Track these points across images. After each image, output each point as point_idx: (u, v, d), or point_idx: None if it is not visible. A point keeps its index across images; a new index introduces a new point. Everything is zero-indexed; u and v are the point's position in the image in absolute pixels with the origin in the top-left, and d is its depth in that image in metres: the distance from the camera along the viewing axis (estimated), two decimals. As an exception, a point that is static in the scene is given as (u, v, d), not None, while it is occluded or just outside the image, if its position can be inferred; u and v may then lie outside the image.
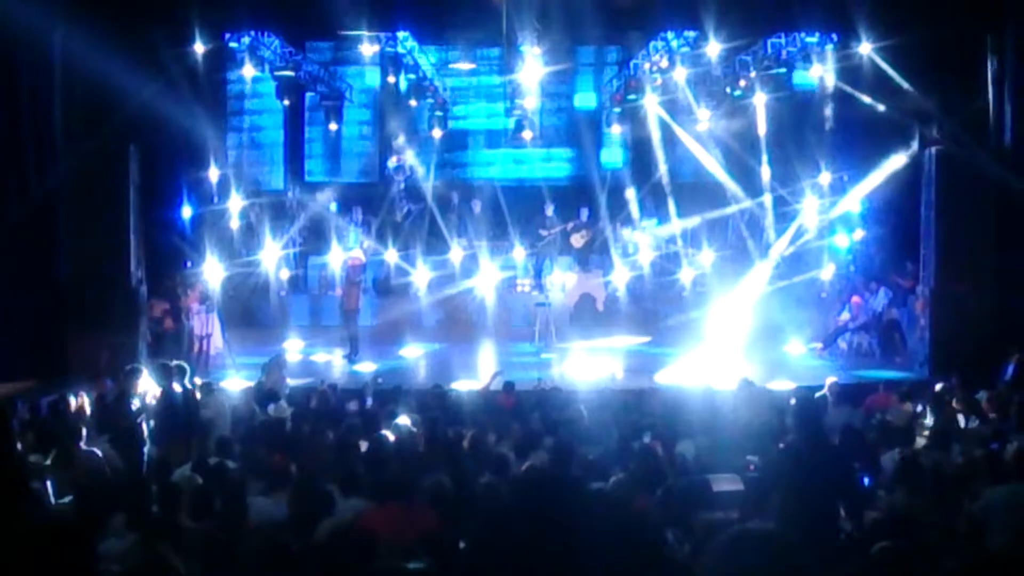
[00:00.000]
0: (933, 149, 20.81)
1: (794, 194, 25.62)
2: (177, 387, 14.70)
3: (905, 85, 21.61)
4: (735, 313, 23.43)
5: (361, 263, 23.75)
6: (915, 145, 21.50)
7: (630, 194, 27.33)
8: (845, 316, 23.57)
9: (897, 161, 22.22)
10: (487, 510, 9.23)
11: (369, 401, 16.89)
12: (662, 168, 27.20)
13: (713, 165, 26.58)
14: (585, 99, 30.10)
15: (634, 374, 20.44)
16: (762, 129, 25.70)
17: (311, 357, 21.79)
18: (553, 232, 27.06)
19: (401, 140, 28.28)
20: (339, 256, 25.57)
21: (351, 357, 22.49)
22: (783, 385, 18.06)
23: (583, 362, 21.46)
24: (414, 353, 23.72)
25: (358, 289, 23.26)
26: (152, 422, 14.39)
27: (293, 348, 23.01)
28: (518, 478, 10.61)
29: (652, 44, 25.01)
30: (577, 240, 27.16)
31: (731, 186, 26.32)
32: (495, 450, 12.82)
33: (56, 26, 20.08)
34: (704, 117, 26.22)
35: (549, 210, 27.51)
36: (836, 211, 25.19)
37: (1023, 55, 20.53)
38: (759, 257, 25.63)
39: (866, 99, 22.93)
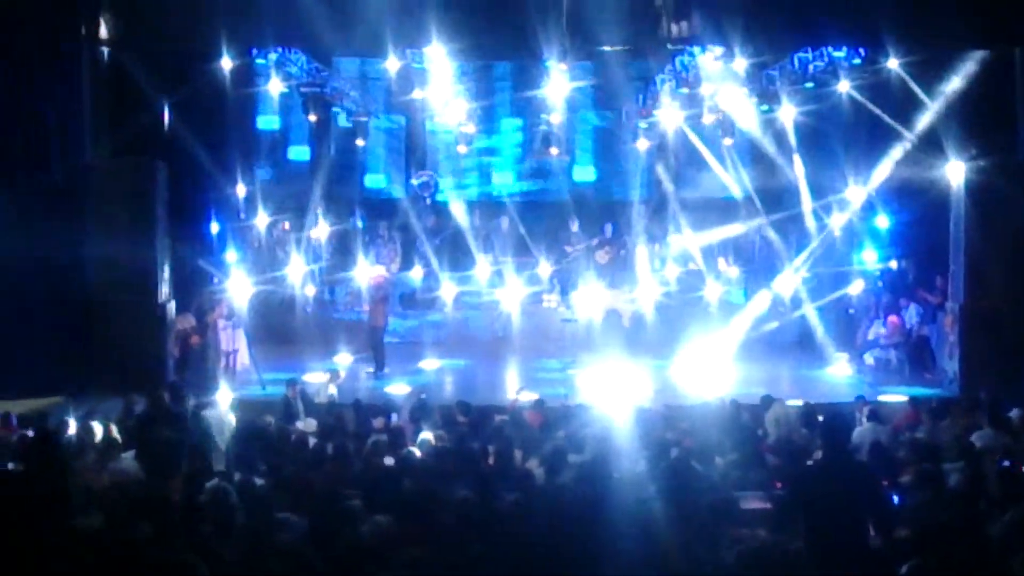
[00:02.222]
0: (962, 164, 20.72)
1: (825, 208, 25.52)
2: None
3: (933, 100, 21.58)
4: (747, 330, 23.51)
5: (385, 279, 23.79)
6: (945, 160, 21.40)
7: (654, 209, 27.31)
8: (875, 332, 23.45)
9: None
10: (515, 530, 9.22)
11: (395, 417, 16.88)
12: (676, 183, 27.26)
13: (738, 180, 26.56)
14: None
15: (660, 391, 20.37)
16: (791, 141, 25.61)
17: (342, 373, 21.68)
18: (578, 248, 27.05)
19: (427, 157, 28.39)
20: (365, 272, 25.54)
21: (377, 373, 22.52)
22: (810, 402, 17.91)
23: (609, 379, 21.40)
24: (436, 366, 23.73)
25: (383, 306, 23.29)
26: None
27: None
28: (547, 497, 10.60)
29: (678, 59, 24.97)
30: (602, 256, 27.12)
31: (756, 202, 26.25)
32: (521, 467, 12.79)
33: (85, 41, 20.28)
34: (727, 134, 26.19)
35: (574, 226, 27.52)
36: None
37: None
38: (784, 271, 25.57)
39: (893, 115, 22.89)
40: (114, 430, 14.81)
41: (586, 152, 30.22)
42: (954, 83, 21.73)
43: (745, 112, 25.47)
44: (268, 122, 28.69)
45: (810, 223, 25.71)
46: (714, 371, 21.68)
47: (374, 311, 23.19)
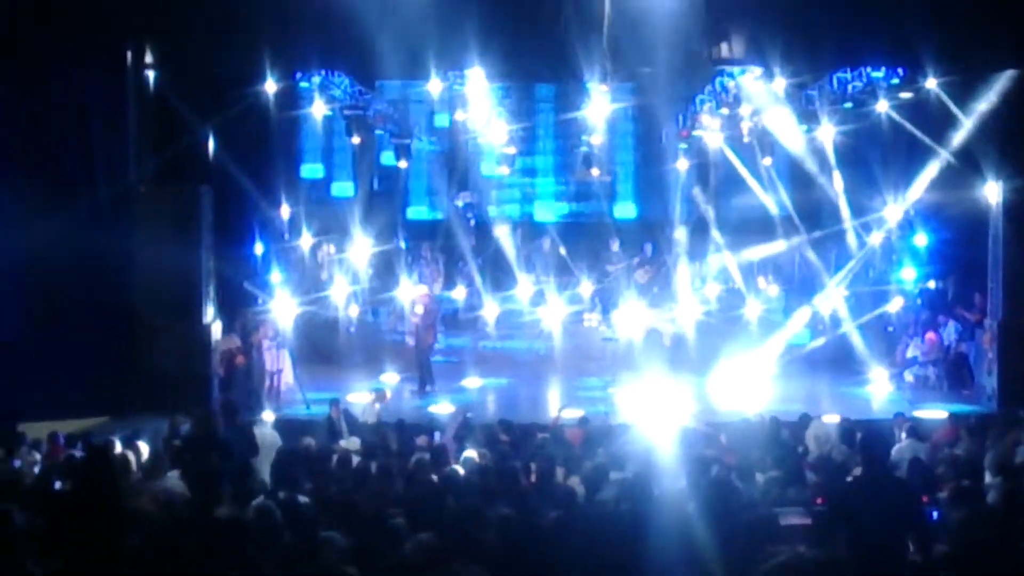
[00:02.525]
0: (1001, 182, 20.75)
1: (864, 226, 25.53)
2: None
3: (972, 119, 21.62)
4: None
5: (431, 299, 23.98)
6: (983, 179, 21.43)
7: (693, 229, 27.41)
8: (913, 350, 23.46)
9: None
10: (557, 547, 9.32)
11: (438, 436, 17.02)
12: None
13: (778, 199, 26.63)
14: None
15: (701, 408, 20.42)
16: (831, 160, 25.65)
17: (388, 393, 21.76)
18: (619, 267, 27.16)
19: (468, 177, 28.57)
20: (409, 293, 25.71)
21: (421, 392, 22.69)
22: (849, 418, 17.94)
23: (650, 397, 21.46)
24: (478, 385, 23.86)
25: (432, 325, 23.53)
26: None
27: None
28: (589, 515, 10.71)
29: (718, 80, 25.08)
30: (642, 276, 27.19)
31: (795, 220, 26.29)
32: (563, 484, 12.88)
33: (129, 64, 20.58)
34: (767, 154, 26.30)
35: (615, 245, 27.64)
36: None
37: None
38: (823, 289, 25.62)
39: (931, 135, 22.96)
40: (159, 450, 15.02)
41: (627, 172, 30.34)
42: (992, 102, 21.76)
43: (786, 131, 25.51)
44: (312, 171, 29.02)
45: (850, 241, 25.73)
46: (753, 388, 21.75)
47: (423, 331, 23.40)
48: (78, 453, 15.23)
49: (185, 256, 20.67)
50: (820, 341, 24.77)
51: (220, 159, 22.10)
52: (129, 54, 20.90)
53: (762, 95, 24.84)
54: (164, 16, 20.19)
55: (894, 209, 24.84)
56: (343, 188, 29.45)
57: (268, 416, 17.20)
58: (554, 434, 16.70)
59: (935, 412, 19.82)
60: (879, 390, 22.89)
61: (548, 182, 30.53)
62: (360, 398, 20.53)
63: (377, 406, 19.42)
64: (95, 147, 20.48)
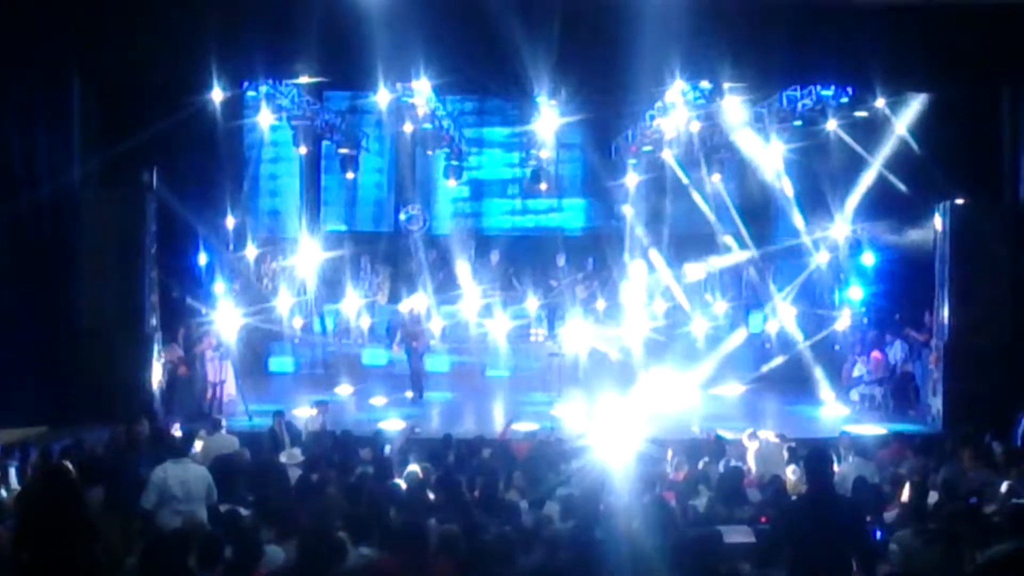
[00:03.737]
0: (948, 203, 20.84)
1: (812, 244, 25.61)
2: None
3: (919, 140, 21.76)
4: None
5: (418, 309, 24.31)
6: (931, 199, 21.54)
7: (641, 244, 27.44)
8: (859, 369, 23.52)
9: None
10: (501, 562, 9.24)
11: (386, 449, 16.91)
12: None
13: (727, 216, 26.72)
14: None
15: (646, 425, 20.37)
16: (778, 180, 25.74)
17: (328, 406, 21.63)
18: (564, 283, 27.15)
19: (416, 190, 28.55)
20: (355, 304, 25.70)
21: (416, 399, 23.09)
22: (795, 437, 17.96)
23: (595, 413, 21.41)
24: (424, 398, 23.77)
25: (423, 332, 23.70)
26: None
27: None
28: (533, 530, 10.65)
29: (670, 95, 25.12)
30: (581, 291, 27.23)
31: (744, 236, 26.39)
32: (507, 499, 12.82)
33: (75, 71, 20.38)
34: (716, 170, 26.41)
35: (561, 260, 27.67)
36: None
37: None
38: (770, 305, 25.75)
39: (880, 154, 23.08)
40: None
41: (575, 187, 30.36)
42: (940, 123, 21.90)
43: (739, 146, 25.66)
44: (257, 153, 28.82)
45: (798, 259, 25.83)
46: (696, 405, 21.80)
47: (416, 339, 23.71)
48: (15, 464, 15.03)
49: (128, 264, 20.50)
50: (778, 361, 24.81)
51: (166, 167, 21.87)
52: (75, 58, 20.66)
53: (713, 111, 24.93)
54: (111, 21, 19.96)
55: (841, 227, 24.91)
56: (289, 200, 29.25)
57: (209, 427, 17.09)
58: (499, 449, 16.65)
59: (880, 431, 19.86)
60: (825, 409, 22.93)
61: (496, 196, 30.49)
62: (304, 412, 20.37)
63: (321, 419, 19.24)
64: (39, 150, 20.23)
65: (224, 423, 17.84)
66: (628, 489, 13.37)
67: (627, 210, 28.26)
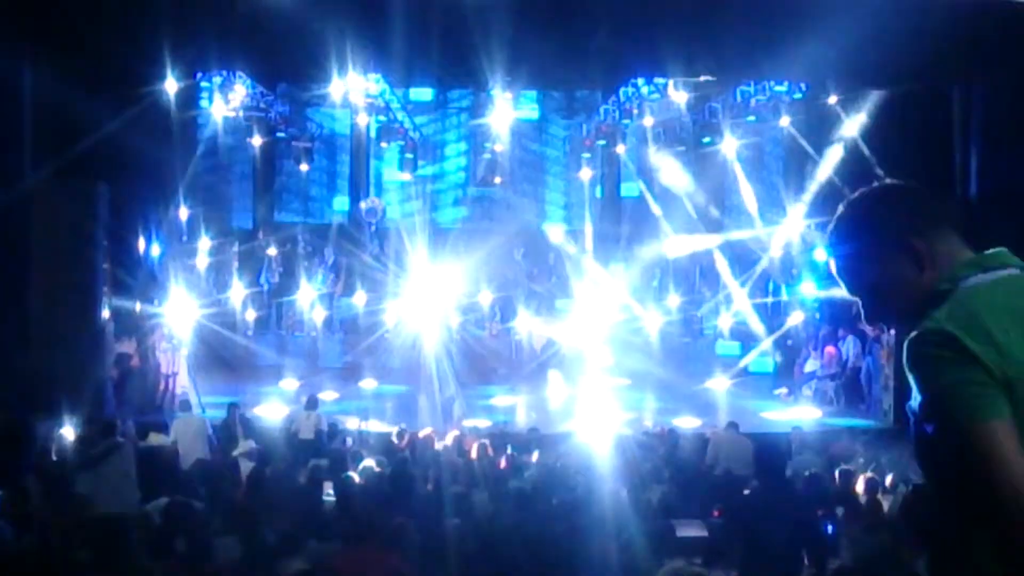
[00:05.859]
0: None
1: (763, 240, 25.69)
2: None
3: (870, 136, 21.86)
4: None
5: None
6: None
7: (597, 239, 27.50)
8: (812, 364, 23.64)
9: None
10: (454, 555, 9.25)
11: (344, 443, 16.89)
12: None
13: (682, 211, 26.76)
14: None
15: (602, 420, 20.40)
16: (733, 174, 25.85)
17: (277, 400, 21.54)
18: (519, 277, 27.14)
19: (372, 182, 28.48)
20: (308, 296, 25.64)
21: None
22: (748, 431, 18.03)
23: (551, 407, 21.45)
24: (376, 391, 23.70)
25: None
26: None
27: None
28: (486, 523, 10.65)
29: (622, 90, 25.16)
30: (536, 286, 27.23)
31: (700, 231, 26.44)
32: (460, 493, 12.83)
33: (25, 60, 20.20)
34: (672, 164, 26.43)
35: (517, 254, 27.60)
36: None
37: (989, 107, 20.72)
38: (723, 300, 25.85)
39: (829, 151, 23.19)
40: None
41: (530, 181, 30.35)
42: (891, 121, 22.00)
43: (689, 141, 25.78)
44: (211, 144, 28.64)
45: (751, 254, 25.90)
46: (648, 400, 21.86)
47: None
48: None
49: (80, 255, 20.34)
50: (752, 356, 24.96)
51: (118, 158, 21.72)
52: (25, 48, 20.49)
53: (664, 107, 25.00)
54: (62, 11, 19.80)
55: (794, 223, 24.99)
56: (243, 191, 29.13)
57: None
58: (452, 443, 16.64)
59: (832, 426, 19.97)
60: (777, 404, 23.03)
61: (451, 188, 30.46)
62: (266, 410, 20.26)
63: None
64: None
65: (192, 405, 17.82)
66: (580, 482, 13.42)
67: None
